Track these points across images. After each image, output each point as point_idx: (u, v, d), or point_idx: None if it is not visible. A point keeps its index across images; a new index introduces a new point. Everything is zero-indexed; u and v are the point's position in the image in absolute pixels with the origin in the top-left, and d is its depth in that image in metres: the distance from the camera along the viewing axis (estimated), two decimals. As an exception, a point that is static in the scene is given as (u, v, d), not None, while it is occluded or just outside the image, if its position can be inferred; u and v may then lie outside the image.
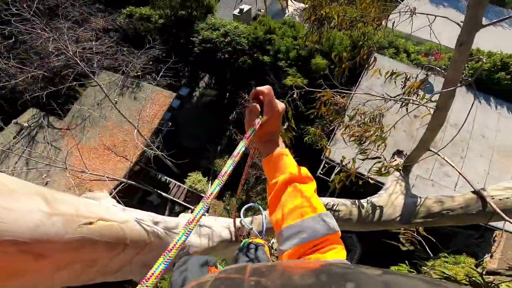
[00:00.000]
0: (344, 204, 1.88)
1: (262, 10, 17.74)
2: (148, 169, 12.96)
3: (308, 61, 13.73)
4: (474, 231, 10.52)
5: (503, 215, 1.37)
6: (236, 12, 16.55)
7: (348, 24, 3.35)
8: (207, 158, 16.47)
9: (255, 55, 14.98)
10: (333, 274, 0.39)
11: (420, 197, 1.73)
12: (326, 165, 10.74)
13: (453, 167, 1.71)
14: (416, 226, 1.71)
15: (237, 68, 15.81)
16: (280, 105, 0.85)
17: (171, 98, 13.15)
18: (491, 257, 11.45)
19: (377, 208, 1.74)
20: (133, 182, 9.10)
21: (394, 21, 2.65)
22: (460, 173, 1.63)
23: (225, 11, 17.95)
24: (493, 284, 1.78)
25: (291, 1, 21.03)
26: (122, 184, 7.85)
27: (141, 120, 10.58)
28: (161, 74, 11.11)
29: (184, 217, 1.56)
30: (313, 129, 3.97)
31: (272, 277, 0.41)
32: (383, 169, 1.93)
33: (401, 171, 2.00)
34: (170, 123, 14.00)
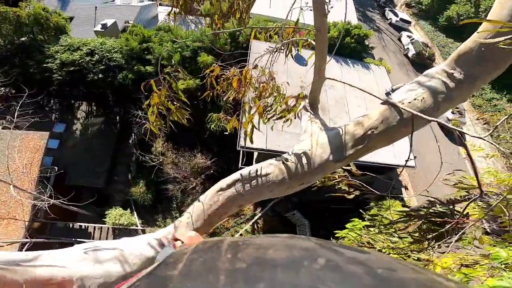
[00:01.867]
0: (271, 164, 1.84)
1: (130, 22, 16.44)
2: (51, 222, 11.24)
3: (194, 60, 13.60)
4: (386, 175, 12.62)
5: (421, 115, 1.44)
6: (98, 28, 14.89)
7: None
8: (121, 191, 14.76)
9: (135, 67, 13.86)
10: (305, 249, 0.42)
11: (339, 127, 1.75)
12: (245, 153, 11.03)
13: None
14: (351, 161, 1.70)
15: (119, 86, 14.32)
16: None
17: (44, 140, 11.16)
18: (406, 189, 13.92)
19: (304, 154, 1.75)
20: (38, 240, 8.48)
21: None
22: (364, 91, 1.73)
23: (82, 29, 15.89)
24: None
25: (161, 5, 20.33)
26: (28, 244, 7.25)
27: (15, 173, 9.06)
28: (16, 114, 8.83)
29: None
30: (215, 114, 3.82)
31: (248, 251, 0.43)
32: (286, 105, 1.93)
33: (309, 109, 2.10)
34: (56, 168, 12.03)
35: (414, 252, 1.87)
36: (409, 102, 1.55)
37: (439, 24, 24.73)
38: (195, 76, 13.00)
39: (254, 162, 12.45)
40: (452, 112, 16.33)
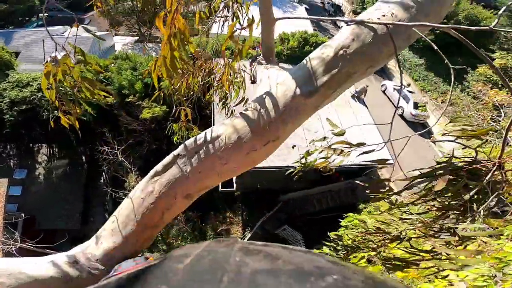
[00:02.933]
0: (223, 123, 1.31)
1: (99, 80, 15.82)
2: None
3: (159, 87, 13.07)
4: (360, 178, 12.49)
5: (399, 23, 1.16)
6: (48, 61, 14.03)
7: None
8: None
9: (94, 100, 13.01)
10: (315, 265, 0.43)
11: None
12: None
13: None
14: (329, 94, 1.28)
15: (79, 122, 13.30)
16: None
17: (4, 187, 10.60)
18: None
19: (266, 96, 1.25)
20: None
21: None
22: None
23: (30, 64, 14.92)
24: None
25: (117, 35, 20.06)
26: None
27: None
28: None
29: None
30: (175, 124, 3.35)
31: (257, 258, 0.43)
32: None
33: (264, 62, 1.63)
34: (23, 214, 11.30)
35: (445, 228, 1.35)
36: (378, 18, 1.24)
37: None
38: (161, 103, 12.46)
39: (234, 185, 11.82)
40: (415, 108, 16.59)
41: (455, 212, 1.39)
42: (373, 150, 1.42)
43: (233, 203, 13.15)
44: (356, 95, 14.22)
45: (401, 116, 16.76)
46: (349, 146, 1.47)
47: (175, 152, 1.33)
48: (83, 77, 1.60)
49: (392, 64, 21.78)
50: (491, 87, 14.47)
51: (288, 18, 1.62)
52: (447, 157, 1.60)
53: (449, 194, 1.43)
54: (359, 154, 1.50)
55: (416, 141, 15.75)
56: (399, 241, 1.56)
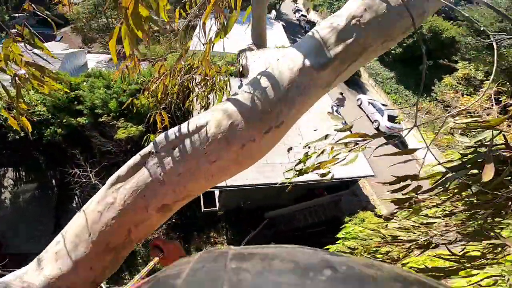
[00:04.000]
0: (207, 112, 1.00)
1: (53, 71, 14.98)
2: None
3: (135, 105, 12.53)
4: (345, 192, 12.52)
5: None
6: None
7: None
8: None
9: (65, 121, 12.31)
10: (312, 260, 0.42)
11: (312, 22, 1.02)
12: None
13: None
14: (344, 68, 1.04)
15: (49, 144, 12.55)
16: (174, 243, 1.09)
17: None
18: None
19: (264, 74, 0.97)
20: None
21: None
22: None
23: None
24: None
25: (90, 53, 19.48)
26: None
27: None
28: None
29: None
30: (152, 135, 3.00)
31: (253, 262, 0.43)
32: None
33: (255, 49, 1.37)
34: None
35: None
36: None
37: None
38: (137, 121, 11.90)
39: (217, 204, 11.33)
40: (390, 121, 16.99)
41: (487, 210, 1.15)
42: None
43: (217, 222, 12.60)
44: (337, 104, 14.43)
45: (377, 129, 17.13)
46: (362, 139, 1.21)
47: (144, 151, 1.01)
48: (28, 62, 1.25)
49: (365, 78, 22.63)
50: (462, 94, 15.24)
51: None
52: (474, 146, 1.39)
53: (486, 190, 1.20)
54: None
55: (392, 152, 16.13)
56: (423, 249, 1.30)
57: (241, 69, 1.64)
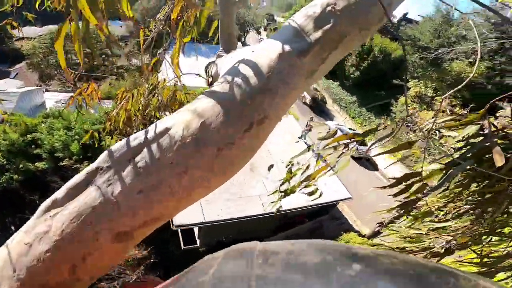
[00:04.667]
0: (176, 113, 0.83)
1: (7, 112, 13.86)
2: None
3: (99, 147, 11.88)
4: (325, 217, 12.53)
5: None
6: None
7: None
8: None
9: (21, 166, 11.28)
10: (339, 254, 0.42)
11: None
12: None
13: None
14: (324, 55, 0.95)
15: (5, 192, 11.36)
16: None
17: None
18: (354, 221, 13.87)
19: (241, 63, 0.85)
20: None
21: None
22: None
23: None
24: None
25: (48, 91, 18.40)
26: None
27: None
28: None
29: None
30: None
31: (279, 257, 0.43)
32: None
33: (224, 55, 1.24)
34: None
35: None
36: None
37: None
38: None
39: (197, 240, 10.64)
40: (360, 145, 17.78)
41: (500, 203, 1.05)
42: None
43: (198, 260, 11.71)
44: (306, 129, 14.81)
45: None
46: (351, 140, 1.09)
47: (90, 167, 0.79)
48: None
49: (330, 104, 23.82)
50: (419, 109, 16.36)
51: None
52: (464, 139, 1.33)
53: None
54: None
55: (365, 175, 16.71)
56: (440, 257, 1.15)
57: (210, 80, 1.50)
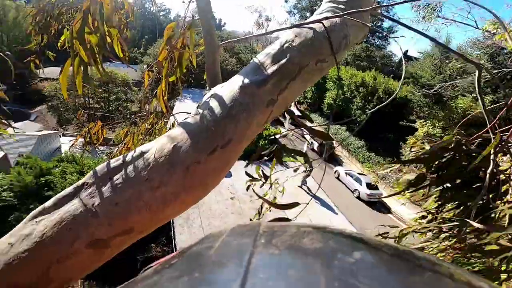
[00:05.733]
0: (159, 138, 0.99)
1: (23, 154, 14.40)
2: None
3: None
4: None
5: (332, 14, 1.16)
6: None
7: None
8: None
9: (31, 207, 11.32)
10: (342, 240, 0.43)
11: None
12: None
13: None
14: (281, 86, 1.08)
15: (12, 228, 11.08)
16: None
17: None
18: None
19: (209, 97, 1.04)
20: None
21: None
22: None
23: None
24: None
25: (64, 136, 18.75)
26: None
27: None
28: None
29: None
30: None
31: (282, 238, 0.44)
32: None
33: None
34: None
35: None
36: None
37: (324, 113, 27.67)
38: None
39: None
40: (369, 188, 16.96)
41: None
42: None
43: None
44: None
45: (358, 198, 17.25)
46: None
47: (78, 182, 0.91)
48: None
49: (339, 150, 23.62)
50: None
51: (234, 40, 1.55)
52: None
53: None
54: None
55: (377, 217, 16.05)
56: None
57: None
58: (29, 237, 0.79)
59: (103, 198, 0.84)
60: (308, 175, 14.45)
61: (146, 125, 2.25)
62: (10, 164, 13.72)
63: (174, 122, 2.32)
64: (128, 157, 0.92)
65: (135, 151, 0.94)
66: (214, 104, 0.97)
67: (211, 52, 1.48)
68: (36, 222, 0.83)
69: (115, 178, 0.88)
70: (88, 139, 2.23)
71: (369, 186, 17.09)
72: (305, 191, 14.21)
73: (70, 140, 18.64)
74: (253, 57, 1.20)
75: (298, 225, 0.49)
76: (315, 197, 12.44)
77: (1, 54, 1.50)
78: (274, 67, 1.04)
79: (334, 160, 22.22)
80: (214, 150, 0.91)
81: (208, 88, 1.67)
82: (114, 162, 0.93)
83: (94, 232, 0.82)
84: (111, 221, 0.84)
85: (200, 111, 0.99)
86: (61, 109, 20.79)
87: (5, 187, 11.18)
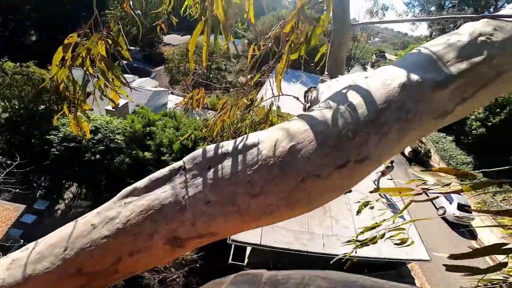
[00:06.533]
0: (273, 128, 0.78)
1: (139, 104, 17.20)
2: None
3: (194, 148, 13.31)
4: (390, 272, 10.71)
5: None
6: (109, 107, 15.34)
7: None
8: None
9: (134, 152, 13.38)
10: (346, 284, 0.42)
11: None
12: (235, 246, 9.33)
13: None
14: (470, 92, 0.72)
15: (114, 171, 13.57)
16: None
17: (18, 212, 10.31)
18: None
19: (349, 89, 0.74)
20: None
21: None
22: None
23: (94, 106, 16.44)
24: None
25: (172, 94, 21.42)
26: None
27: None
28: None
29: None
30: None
31: (287, 286, 0.42)
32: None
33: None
34: (22, 241, 10.82)
35: None
36: None
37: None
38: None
39: (246, 260, 10.45)
40: (460, 209, 14.47)
41: None
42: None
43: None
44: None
45: (442, 217, 14.71)
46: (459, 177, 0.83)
47: (175, 164, 0.79)
48: (103, 56, 1.22)
49: (436, 161, 20.27)
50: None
51: (372, 23, 1.22)
52: None
53: None
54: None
55: (456, 242, 13.43)
56: None
57: (308, 106, 1.41)
58: (113, 221, 0.71)
59: (195, 191, 0.70)
60: (383, 175, 12.68)
61: (245, 100, 2.13)
62: (128, 112, 16.54)
63: (272, 102, 2.15)
64: (237, 146, 0.74)
65: (246, 139, 0.75)
66: (355, 101, 0.68)
67: (340, 32, 1.17)
68: (124, 203, 0.75)
69: (213, 169, 0.72)
70: (190, 105, 2.27)
71: (461, 207, 14.31)
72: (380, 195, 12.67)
73: (176, 99, 21.27)
74: (354, 45, 0.83)
75: (301, 273, 0.46)
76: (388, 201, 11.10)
77: (133, 13, 1.52)
78: (463, 65, 0.68)
79: (424, 167, 19.22)
80: (344, 165, 0.64)
81: (326, 74, 1.39)
82: (220, 149, 0.76)
83: (176, 229, 0.69)
84: (196, 220, 0.69)
85: (332, 105, 0.72)
86: (173, 71, 23.63)
87: (119, 131, 13.43)
